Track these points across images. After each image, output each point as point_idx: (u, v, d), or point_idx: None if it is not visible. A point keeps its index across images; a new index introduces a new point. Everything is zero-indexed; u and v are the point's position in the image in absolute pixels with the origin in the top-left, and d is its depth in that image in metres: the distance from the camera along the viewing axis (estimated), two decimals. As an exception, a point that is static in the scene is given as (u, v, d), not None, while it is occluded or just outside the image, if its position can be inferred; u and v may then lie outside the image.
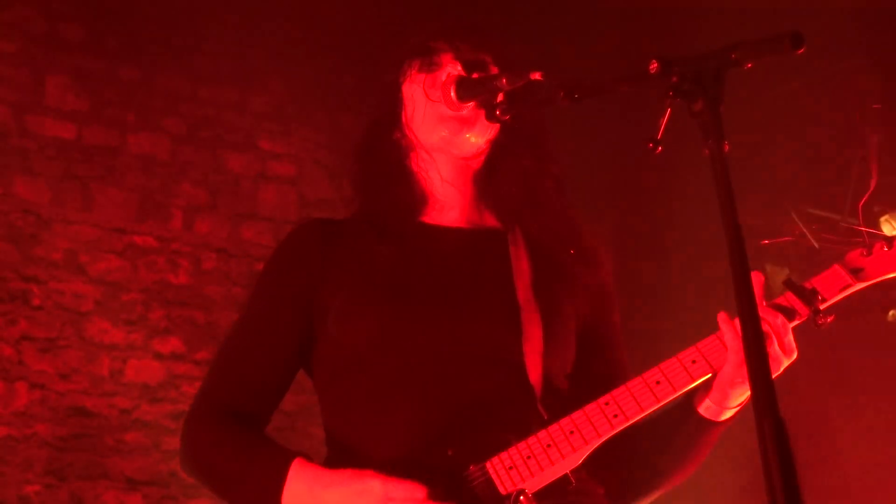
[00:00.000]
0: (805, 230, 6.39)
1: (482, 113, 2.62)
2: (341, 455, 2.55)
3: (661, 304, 6.13)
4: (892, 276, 2.50)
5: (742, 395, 2.45)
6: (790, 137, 6.22)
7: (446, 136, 2.64)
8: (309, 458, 2.48)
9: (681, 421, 2.54)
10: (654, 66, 2.03)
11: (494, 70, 2.62)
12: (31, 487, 5.79)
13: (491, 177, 2.72)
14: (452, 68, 2.63)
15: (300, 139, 6.88)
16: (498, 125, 2.67)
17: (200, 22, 6.50)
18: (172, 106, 6.56)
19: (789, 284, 2.47)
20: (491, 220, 2.74)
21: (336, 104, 6.73)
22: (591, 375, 2.56)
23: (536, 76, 2.43)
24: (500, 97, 2.58)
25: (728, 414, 2.50)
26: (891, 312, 6.07)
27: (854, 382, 6.39)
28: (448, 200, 2.72)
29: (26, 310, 5.95)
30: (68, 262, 6.09)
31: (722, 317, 2.43)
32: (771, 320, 2.39)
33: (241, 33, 6.63)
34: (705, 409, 2.49)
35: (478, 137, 2.66)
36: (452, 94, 2.57)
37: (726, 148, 1.93)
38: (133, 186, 6.36)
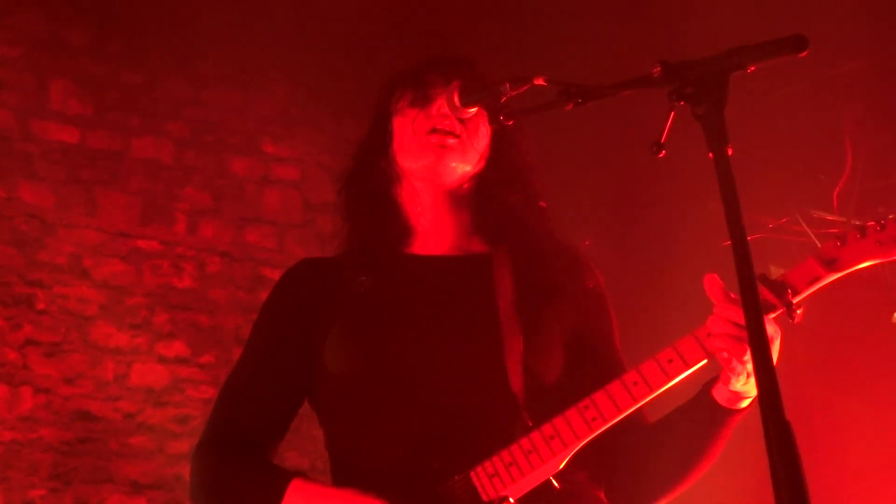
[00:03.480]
0: (809, 230, 6.40)
1: (467, 140, 2.67)
2: (342, 474, 2.65)
3: (662, 304, 6.13)
4: (865, 264, 2.47)
5: (743, 385, 2.43)
6: (794, 138, 6.22)
7: (430, 164, 2.70)
8: (307, 477, 2.55)
9: (695, 410, 2.55)
10: (657, 70, 2.04)
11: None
12: (36, 492, 5.79)
13: (476, 204, 2.80)
14: (443, 102, 2.65)
15: (304, 143, 6.89)
16: (481, 154, 2.74)
17: (203, 26, 6.50)
18: (176, 110, 6.58)
19: (761, 279, 2.43)
20: (476, 245, 2.81)
21: (339, 107, 6.74)
22: (584, 383, 2.57)
23: (539, 81, 2.42)
24: (503, 102, 2.58)
25: (742, 403, 2.49)
26: (895, 314, 6.07)
27: (859, 384, 6.39)
28: (433, 229, 2.80)
29: (31, 314, 5.95)
30: (73, 267, 6.10)
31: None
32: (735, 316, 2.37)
33: (244, 37, 6.64)
34: (719, 395, 2.49)
35: (463, 165, 2.72)
36: (455, 99, 2.58)
37: (730, 151, 1.94)
38: (137, 190, 6.37)
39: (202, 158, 6.60)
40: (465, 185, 2.77)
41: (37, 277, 6.00)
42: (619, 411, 2.45)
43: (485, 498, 2.43)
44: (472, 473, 2.45)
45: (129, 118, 6.43)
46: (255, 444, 2.71)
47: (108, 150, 6.33)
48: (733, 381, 2.42)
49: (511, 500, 2.42)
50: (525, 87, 2.48)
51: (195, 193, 6.54)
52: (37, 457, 5.82)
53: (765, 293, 2.42)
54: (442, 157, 2.69)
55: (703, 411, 2.53)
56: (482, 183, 2.78)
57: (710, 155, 1.95)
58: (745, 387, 2.44)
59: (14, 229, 6.00)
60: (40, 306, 5.98)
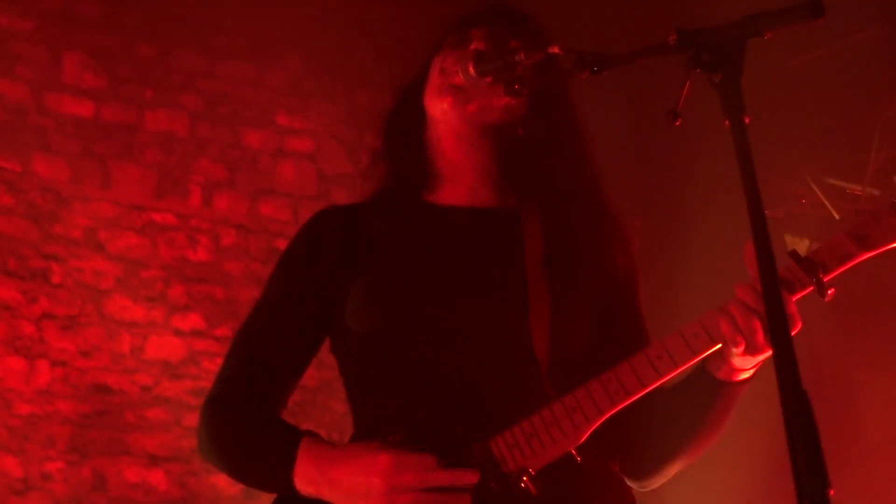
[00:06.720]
0: (825, 200, 6.37)
1: (489, 89, 2.59)
2: (361, 434, 2.58)
3: (681, 277, 6.12)
4: None
5: (748, 362, 2.40)
6: (810, 107, 6.19)
7: (447, 108, 2.62)
8: (318, 436, 2.50)
9: (695, 384, 2.50)
10: (673, 37, 2.02)
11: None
12: (53, 464, 5.83)
13: (507, 158, 2.70)
14: (480, 45, 2.61)
15: (318, 114, 6.88)
16: (504, 102, 2.63)
17: (216, -3, 6.50)
18: (190, 82, 6.57)
19: (793, 255, 2.40)
20: (504, 199, 2.71)
21: (354, 79, 6.73)
22: (608, 354, 2.53)
23: (554, 50, 2.40)
24: (518, 71, 2.55)
25: (743, 375, 2.45)
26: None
27: (875, 353, 6.38)
28: (458, 177, 2.71)
29: (47, 287, 5.98)
30: (88, 240, 6.12)
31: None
32: None
33: (258, 9, 6.63)
34: (717, 370, 2.45)
35: (480, 112, 2.63)
36: (470, 68, 2.55)
37: (747, 120, 1.92)
38: (151, 163, 6.38)
39: (216, 131, 6.59)
40: (495, 138, 2.67)
41: (52, 251, 6.02)
42: (643, 386, 2.41)
43: (505, 469, 2.39)
44: (491, 443, 2.40)
45: (143, 91, 6.42)
46: (266, 399, 2.67)
47: (122, 123, 6.34)
48: (734, 355, 2.38)
49: (531, 471, 2.39)
50: (540, 57, 2.46)
51: (210, 166, 6.54)
52: (54, 429, 5.85)
53: (796, 271, 2.38)
54: (458, 102, 2.60)
55: (702, 385, 2.48)
56: (514, 138, 2.67)
57: (727, 123, 1.93)
58: (743, 361, 2.40)
59: (29, 203, 6.02)
60: (56, 280, 6.00)
